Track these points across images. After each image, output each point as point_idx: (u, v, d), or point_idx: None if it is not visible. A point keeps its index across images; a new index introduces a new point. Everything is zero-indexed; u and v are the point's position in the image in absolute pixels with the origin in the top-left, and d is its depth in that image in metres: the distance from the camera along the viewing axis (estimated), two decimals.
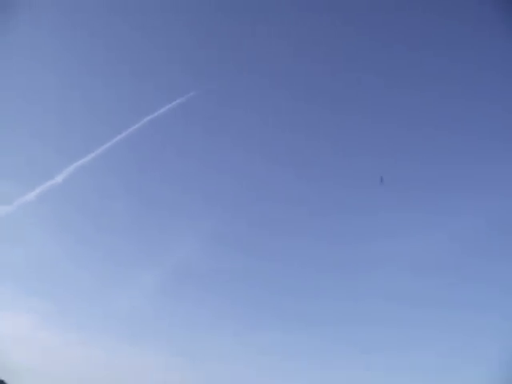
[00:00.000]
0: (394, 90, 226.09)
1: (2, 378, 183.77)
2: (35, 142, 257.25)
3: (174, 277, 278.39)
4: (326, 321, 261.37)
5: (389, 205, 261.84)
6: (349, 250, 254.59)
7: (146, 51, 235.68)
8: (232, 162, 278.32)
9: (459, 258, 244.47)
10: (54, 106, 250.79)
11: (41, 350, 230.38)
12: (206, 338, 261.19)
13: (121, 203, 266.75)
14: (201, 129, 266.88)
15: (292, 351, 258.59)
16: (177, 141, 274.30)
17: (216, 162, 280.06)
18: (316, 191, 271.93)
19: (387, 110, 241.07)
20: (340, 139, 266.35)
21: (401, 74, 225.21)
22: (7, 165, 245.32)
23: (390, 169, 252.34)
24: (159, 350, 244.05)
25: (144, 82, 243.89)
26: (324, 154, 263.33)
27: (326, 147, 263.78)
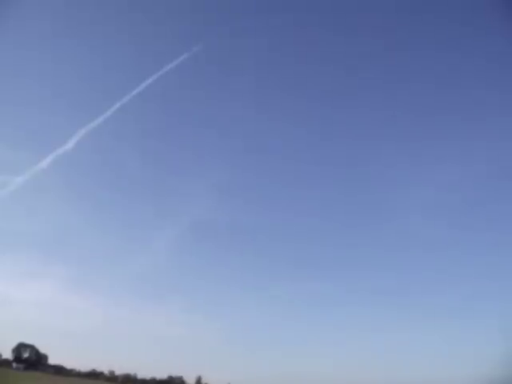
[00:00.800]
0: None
1: (31, 343, 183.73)
2: (43, 111, 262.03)
3: (189, 234, 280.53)
4: (338, 267, 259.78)
5: (398, 156, 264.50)
6: (361, 199, 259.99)
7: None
8: (238, 117, 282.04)
9: (468, 203, 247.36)
10: (57, 74, 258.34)
11: (65, 313, 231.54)
12: (222, 292, 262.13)
13: (133, 165, 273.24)
14: (205, 85, 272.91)
15: (306, 299, 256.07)
16: (183, 98, 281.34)
17: (221, 118, 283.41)
18: (324, 144, 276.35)
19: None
20: (344, 97, 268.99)
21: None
22: (17, 135, 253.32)
23: (398, 122, 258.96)
24: (178, 306, 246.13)
25: (146, 41, 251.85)
26: (330, 109, 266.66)
27: (332, 104, 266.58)
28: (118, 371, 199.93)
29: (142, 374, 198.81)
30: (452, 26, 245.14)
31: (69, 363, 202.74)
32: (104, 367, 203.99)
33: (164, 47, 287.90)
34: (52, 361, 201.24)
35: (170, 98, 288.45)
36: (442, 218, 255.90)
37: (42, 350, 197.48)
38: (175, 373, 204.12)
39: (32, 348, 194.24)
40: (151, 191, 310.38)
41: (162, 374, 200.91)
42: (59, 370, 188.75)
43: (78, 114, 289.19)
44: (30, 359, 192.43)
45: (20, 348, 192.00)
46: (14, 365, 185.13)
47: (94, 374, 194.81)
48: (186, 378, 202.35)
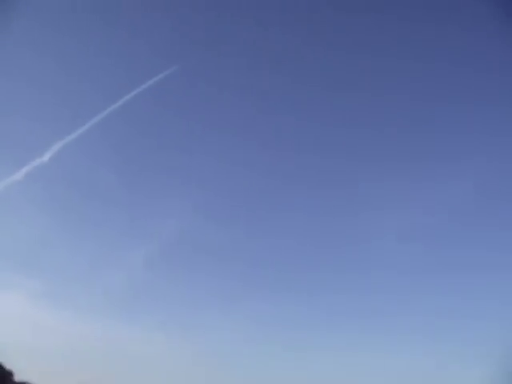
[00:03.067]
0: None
1: None
2: (19, 122, 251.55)
3: (165, 251, 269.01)
4: (314, 290, 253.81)
5: (372, 176, 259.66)
6: (337, 224, 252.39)
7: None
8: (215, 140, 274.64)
9: (447, 224, 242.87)
10: (36, 83, 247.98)
11: (32, 327, 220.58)
12: (197, 311, 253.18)
13: (110, 177, 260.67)
14: (185, 104, 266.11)
15: (282, 320, 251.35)
16: (162, 117, 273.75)
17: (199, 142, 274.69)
18: (302, 165, 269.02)
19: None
20: (323, 114, 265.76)
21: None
22: None
23: (372, 141, 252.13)
24: (150, 324, 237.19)
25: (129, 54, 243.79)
26: (311, 130, 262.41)
27: (312, 125, 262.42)
28: None
29: None
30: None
31: (35, 381, 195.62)
32: None
33: (144, 63, 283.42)
34: (18, 378, 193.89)
35: (148, 117, 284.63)
36: (417, 241, 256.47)
37: (7, 366, 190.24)
38: None
39: None
40: (127, 209, 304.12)
41: None
42: None
43: (54, 126, 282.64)
44: None
45: None
46: None
47: None
48: None
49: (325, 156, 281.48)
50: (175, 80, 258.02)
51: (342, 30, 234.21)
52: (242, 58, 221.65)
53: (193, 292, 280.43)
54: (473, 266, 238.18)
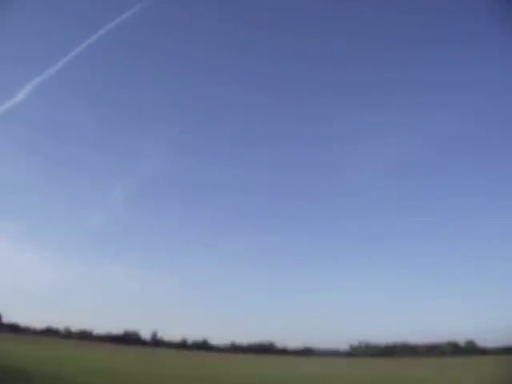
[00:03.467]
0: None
1: None
2: None
3: (145, 189, 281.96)
4: (301, 220, 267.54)
5: (364, 108, 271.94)
6: (326, 152, 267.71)
7: None
8: (191, 75, 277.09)
9: (433, 159, 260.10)
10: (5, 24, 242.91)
11: (16, 269, 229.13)
12: (179, 249, 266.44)
13: (86, 118, 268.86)
14: (160, 39, 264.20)
15: (267, 257, 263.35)
16: (136, 52, 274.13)
17: (175, 75, 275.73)
18: (283, 99, 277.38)
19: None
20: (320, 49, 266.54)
21: None
22: None
23: (367, 74, 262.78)
24: (134, 261, 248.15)
25: None
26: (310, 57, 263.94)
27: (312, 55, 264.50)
28: (74, 328, 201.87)
29: (97, 331, 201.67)
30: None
31: (23, 322, 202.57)
32: (59, 324, 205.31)
33: None
34: (6, 320, 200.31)
35: (123, 51, 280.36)
36: (395, 179, 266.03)
37: None
38: (131, 328, 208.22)
39: None
40: (106, 146, 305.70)
41: (118, 330, 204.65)
42: (14, 329, 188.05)
43: (28, 66, 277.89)
44: None
45: None
46: None
47: (49, 332, 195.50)
48: (141, 334, 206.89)
49: (314, 91, 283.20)
50: (147, 16, 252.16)
51: None
52: None
53: (172, 228, 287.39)
54: (452, 192, 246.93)
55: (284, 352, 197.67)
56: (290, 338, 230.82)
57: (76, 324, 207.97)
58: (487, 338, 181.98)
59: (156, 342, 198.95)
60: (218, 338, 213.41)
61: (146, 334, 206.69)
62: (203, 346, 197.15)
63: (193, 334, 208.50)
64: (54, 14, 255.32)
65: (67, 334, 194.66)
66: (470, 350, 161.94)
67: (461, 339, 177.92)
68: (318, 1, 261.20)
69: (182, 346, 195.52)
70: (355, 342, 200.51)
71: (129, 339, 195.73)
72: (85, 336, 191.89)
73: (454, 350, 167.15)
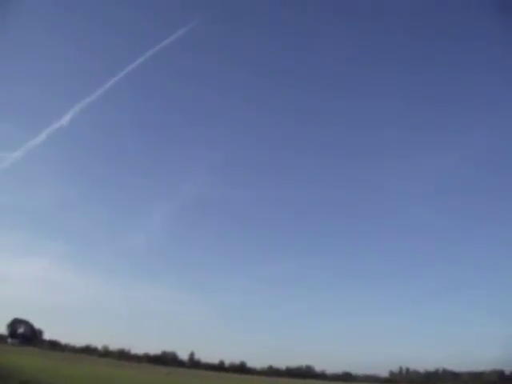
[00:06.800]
0: None
1: (26, 318, 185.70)
2: (37, 88, 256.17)
3: (184, 211, 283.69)
4: (334, 249, 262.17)
5: (401, 125, 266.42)
6: (360, 184, 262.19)
7: None
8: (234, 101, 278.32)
9: (472, 178, 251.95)
10: (51, 51, 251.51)
11: (60, 289, 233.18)
12: (216, 270, 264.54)
13: (130, 139, 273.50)
14: (204, 63, 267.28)
15: (305, 279, 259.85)
16: (181, 75, 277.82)
17: (219, 100, 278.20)
18: (327, 107, 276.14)
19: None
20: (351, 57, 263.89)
21: None
22: (11, 111, 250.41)
23: (404, 85, 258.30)
24: (172, 283, 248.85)
25: (140, 15, 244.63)
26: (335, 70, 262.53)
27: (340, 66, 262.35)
28: (112, 347, 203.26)
29: (135, 350, 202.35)
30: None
31: (63, 339, 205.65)
32: (98, 343, 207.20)
33: (158, 24, 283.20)
34: (47, 336, 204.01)
35: (168, 75, 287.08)
36: (440, 205, 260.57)
37: (37, 325, 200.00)
38: (168, 349, 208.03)
39: (27, 323, 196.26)
40: (147, 168, 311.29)
41: (156, 350, 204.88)
42: (54, 345, 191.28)
43: (74, 89, 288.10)
44: (25, 334, 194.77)
45: (15, 323, 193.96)
46: (9, 340, 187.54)
47: (88, 350, 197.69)
48: (179, 354, 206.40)
49: (352, 124, 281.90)
50: (186, 42, 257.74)
51: None
52: None
53: (210, 250, 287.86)
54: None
55: (322, 376, 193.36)
56: (328, 362, 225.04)
57: (114, 343, 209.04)
58: None
59: (193, 363, 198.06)
60: (256, 361, 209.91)
61: (183, 355, 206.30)
62: (240, 369, 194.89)
63: (230, 356, 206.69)
64: (103, 35, 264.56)
65: (105, 353, 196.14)
66: None
67: (507, 368, 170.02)
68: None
69: (220, 367, 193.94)
70: (395, 368, 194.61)
71: (166, 359, 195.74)
72: (123, 355, 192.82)
73: (499, 378, 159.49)
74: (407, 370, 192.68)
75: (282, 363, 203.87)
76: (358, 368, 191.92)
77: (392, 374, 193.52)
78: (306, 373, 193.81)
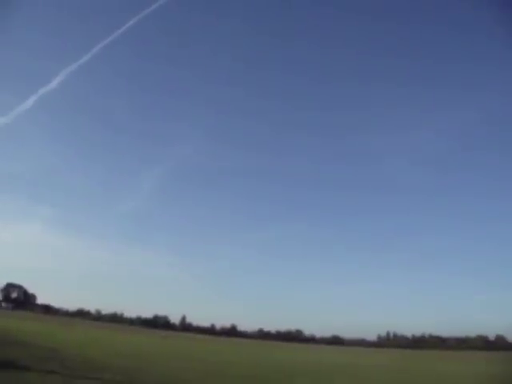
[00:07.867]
0: None
1: (19, 283, 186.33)
2: (25, 51, 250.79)
3: (175, 175, 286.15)
4: (328, 212, 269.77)
5: (387, 101, 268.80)
6: (350, 143, 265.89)
7: None
8: (227, 62, 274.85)
9: (455, 150, 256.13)
10: (41, 13, 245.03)
11: (52, 253, 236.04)
12: (208, 235, 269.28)
13: (120, 103, 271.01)
14: (193, 29, 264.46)
15: (293, 246, 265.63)
16: (171, 42, 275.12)
17: (209, 63, 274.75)
18: (317, 88, 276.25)
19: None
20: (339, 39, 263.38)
21: None
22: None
23: (388, 67, 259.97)
24: (165, 247, 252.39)
25: None
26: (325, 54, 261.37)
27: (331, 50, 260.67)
28: (105, 310, 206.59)
29: (128, 314, 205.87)
30: None
31: (56, 303, 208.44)
32: (90, 307, 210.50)
33: None
34: (40, 300, 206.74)
35: (157, 41, 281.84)
36: (428, 164, 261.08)
37: (30, 290, 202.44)
38: (160, 312, 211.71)
39: (20, 288, 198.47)
40: (138, 133, 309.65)
41: (148, 314, 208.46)
42: (47, 310, 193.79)
43: (62, 55, 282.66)
44: (18, 299, 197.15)
45: (8, 288, 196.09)
46: (3, 304, 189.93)
47: (81, 313, 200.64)
48: (170, 318, 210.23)
49: (345, 80, 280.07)
50: (181, 5, 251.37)
51: None
52: None
53: (203, 215, 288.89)
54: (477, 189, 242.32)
55: (312, 340, 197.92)
56: (318, 326, 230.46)
57: (107, 307, 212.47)
58: None
59: (184, 327, 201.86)
60: (247, 325, 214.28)
61: (175, 319, 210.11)
62: (231, 332, 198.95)
63: (221, 320, 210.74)
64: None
65: (98, 317, 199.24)
66: (500, 345, 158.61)
67: (491, 334, 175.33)
68: None
69: (211, 331, 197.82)
70: (383, 333, 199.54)
71: (158, 323, 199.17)
72: (115, 318, 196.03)
73: (483, 344, 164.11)
74: (395, 334, 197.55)
75: (272, 327, 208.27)
76: (347, 332, 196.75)
77: (380, 338, 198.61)
78: (295, 337, 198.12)
